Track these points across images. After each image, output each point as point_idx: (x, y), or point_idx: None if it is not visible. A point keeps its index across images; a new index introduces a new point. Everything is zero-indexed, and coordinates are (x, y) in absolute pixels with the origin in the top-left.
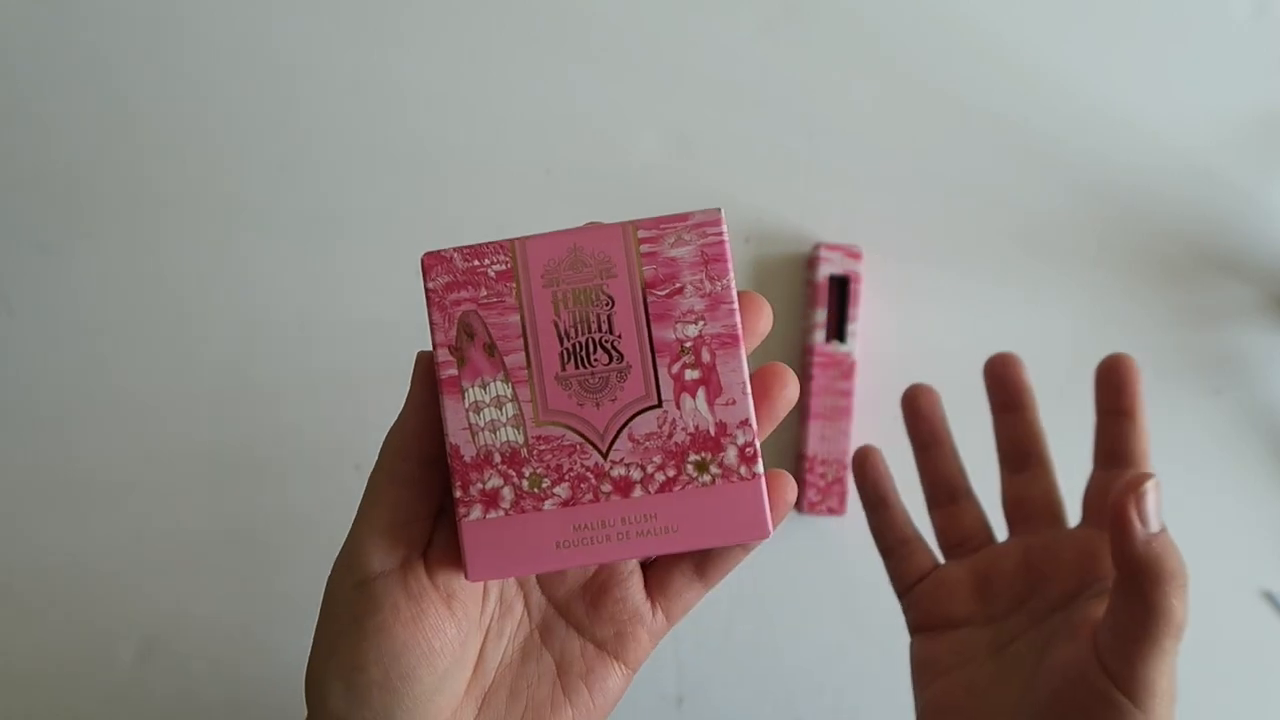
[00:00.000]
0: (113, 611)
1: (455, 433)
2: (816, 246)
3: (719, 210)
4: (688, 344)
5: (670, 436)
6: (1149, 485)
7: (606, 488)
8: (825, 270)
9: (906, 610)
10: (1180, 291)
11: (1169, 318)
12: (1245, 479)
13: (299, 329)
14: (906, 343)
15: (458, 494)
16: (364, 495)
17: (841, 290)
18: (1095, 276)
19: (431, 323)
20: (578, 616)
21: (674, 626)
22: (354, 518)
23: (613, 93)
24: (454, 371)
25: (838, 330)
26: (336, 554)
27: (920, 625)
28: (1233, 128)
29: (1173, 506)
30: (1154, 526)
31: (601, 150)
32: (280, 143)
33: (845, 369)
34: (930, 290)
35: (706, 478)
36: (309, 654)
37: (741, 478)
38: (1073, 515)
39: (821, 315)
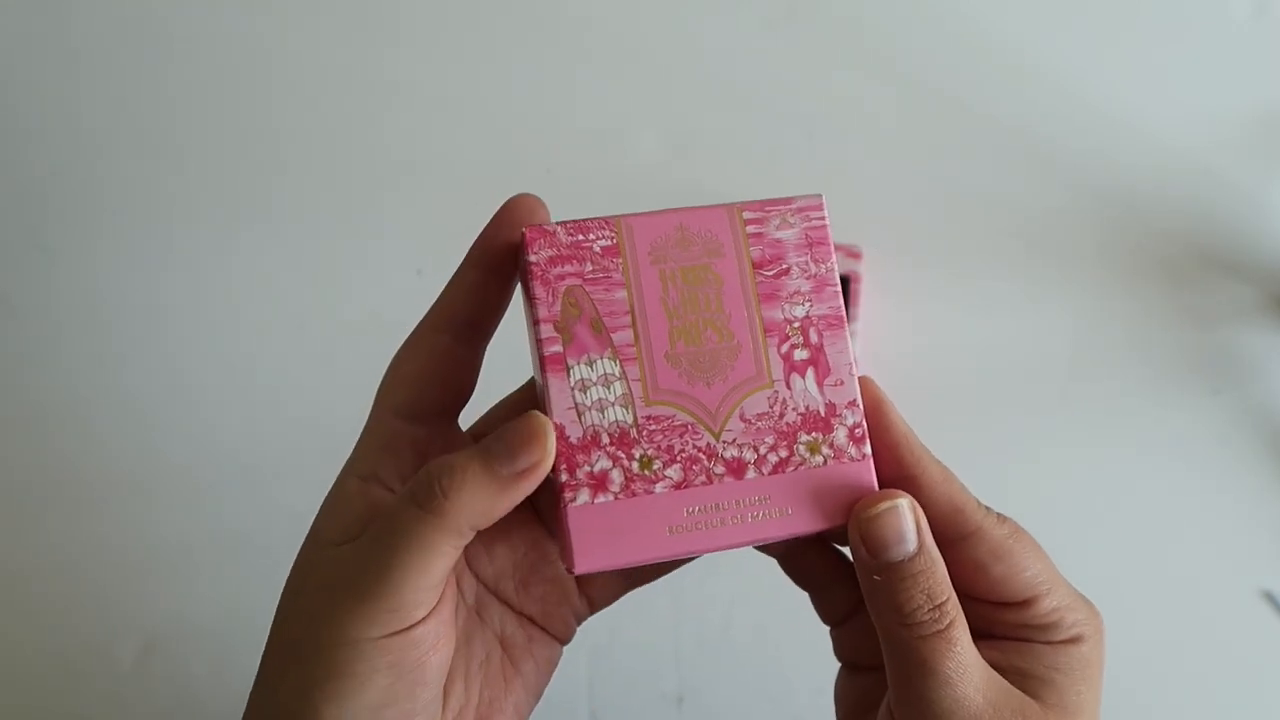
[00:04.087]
0: (113, 611)
1: (560, 412)
2: None
3: (820, 196)
4: (795, 324)
5: (782, 417)
6: (878, 509)
7: (719, 469)
8: None
9: (835, 642)
10: (1180, 291)
11: (1169, 318)
12: (1245, 479)
13: (299, 329)
14: (907, 343)
15: (563, 478)
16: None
17: (841, 290)
18: (1095, 276)
19: (534, 298)
20: (507, 594)
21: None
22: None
23: (613, 93)
24: (559, 348)
25: None
26: None
27: (847, 660)
28: (1233, 128)
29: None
30: (893, 554)
31: (601, 150)
32: (280, 143)
33: None
34: (931, 290)
35: (818, 459)
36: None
37: (852, 459)
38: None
39: None
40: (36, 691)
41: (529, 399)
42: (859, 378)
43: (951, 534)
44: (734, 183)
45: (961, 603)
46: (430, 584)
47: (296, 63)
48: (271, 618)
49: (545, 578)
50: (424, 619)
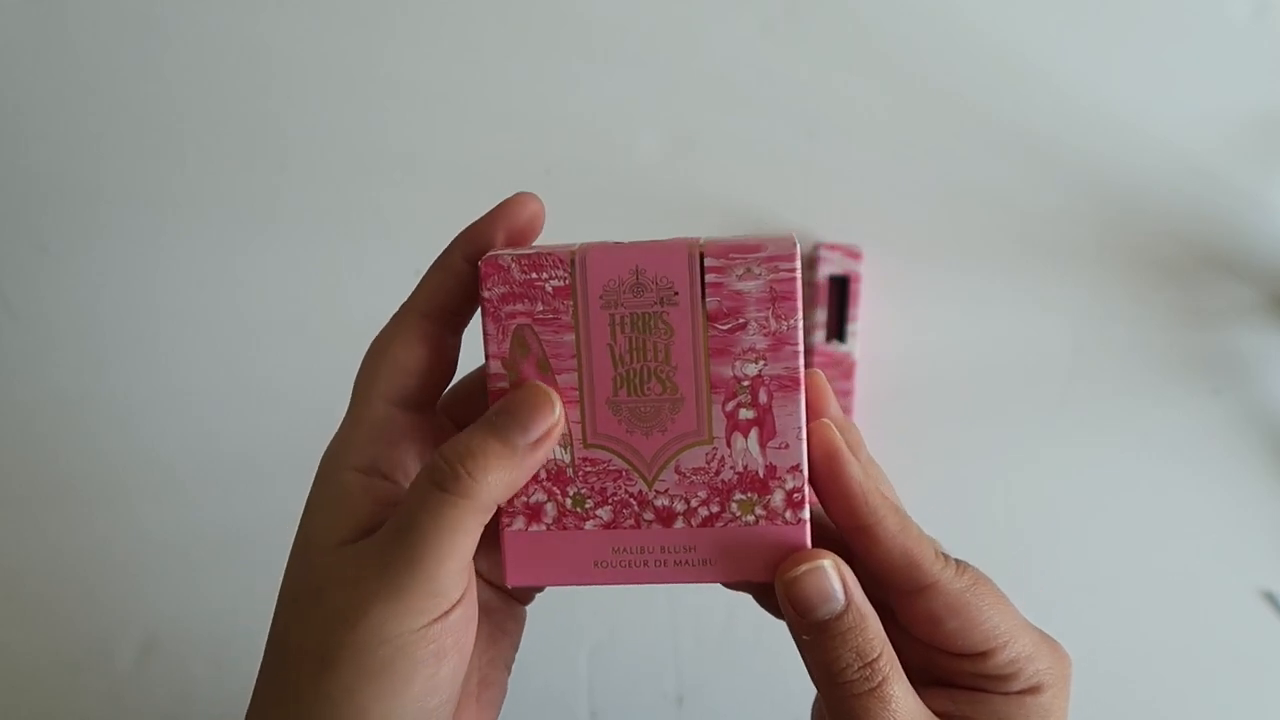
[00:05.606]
0: (113, 611)
1: None
2: (816, 246)
3: (794, 243)
4: (745, 383)
5: (717, 474)
6: (800, 569)
7: (649, 515)
8: (825, 270)
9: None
10: (1180, 291)
11: (1169, 318)
12: (1245, 479)
13: (299, 329)
14: (906, 343)
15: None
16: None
17: (841, 290)
18: (1095, 276)
19: (485, 333)
20: (481, 567)
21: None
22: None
23: (613, 93)
24: (505, 385)
25: (838, 330)
26: None
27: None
28: (1233, 128)
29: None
30: (820, 613)
31: (601, 150)
32: (280, 142)
33: (845, 369)
34: (930, 290)
35: (750, 518)
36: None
37: (786, 522)
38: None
39: (821, 315)
40: (36, 692)
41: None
42: (816, 424)
43: (907, 587)
44: (734, 182)
45: (918, 650)
46: (462, 566)
47: (296, 62)
48: (270, 616)
49: None
50: (458, 601)
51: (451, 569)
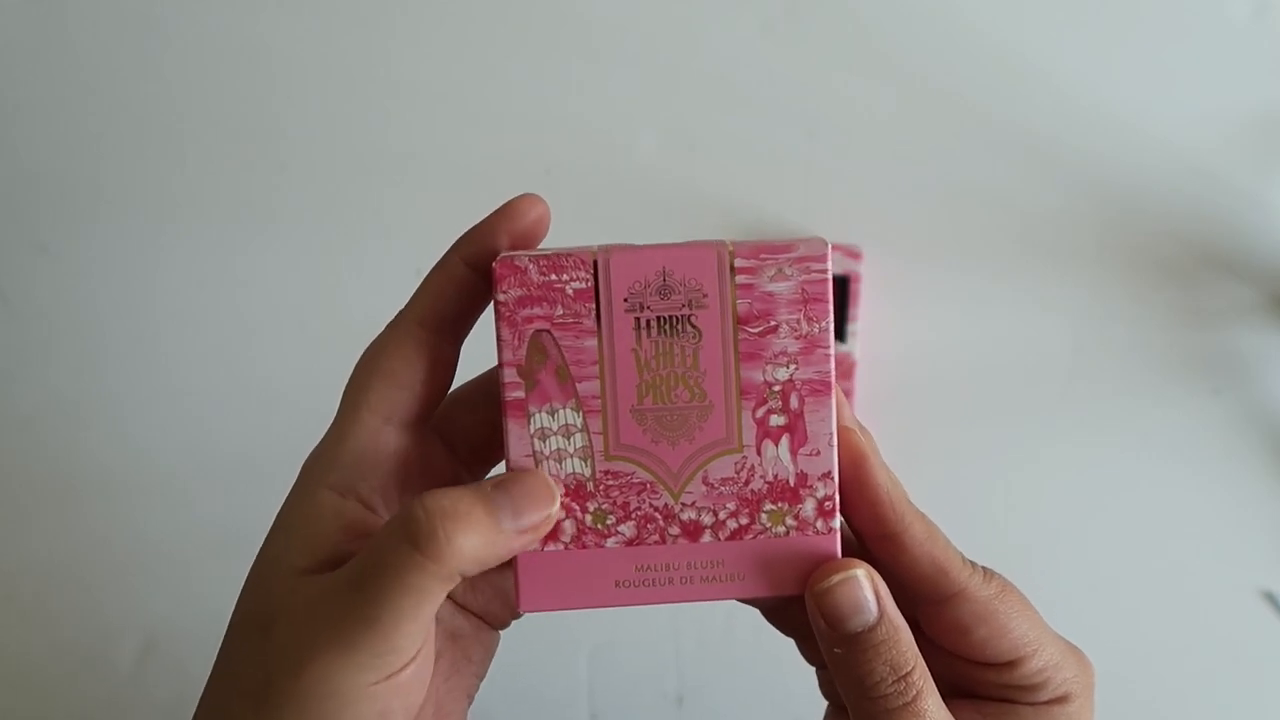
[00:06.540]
0: (113, 611)
1: (518, 459)
2: None
3: (826, 244)
4: (776, 388)
5: (747, 483)
6: (833, 580)
7: (674, 530)
8: None
9: (820, 681)
10: (1180, 291)
11: (1169, 318)
12: (1245, 479)
13: (299, 329)
14: (906, 343)
15: None
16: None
17: (841, 290)
18: (1095, 276)
19: (500, 339)
20: (454, 592)
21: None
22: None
23: (613, 93)
24: (521, 394)
25: (838, 330)
26: None
27: (832, 699)
28: (1233, 128)
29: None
30: (852, 625)
31: (601, 150)
32: (280, 142)
33: (845, 369)
34: (931, 290)
35: (781, 529)
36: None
37: (817, 532)
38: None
39: None
40: (36, 693)
41: (485, 386)
42: (842, 429)
43: (934, 596)
44: (734, 182)
45: (944, 660)
46: (420, 628)
47: (296, 62)
48: None
49: (491, 581)
50: (412, 659)
51: (408, 630)
